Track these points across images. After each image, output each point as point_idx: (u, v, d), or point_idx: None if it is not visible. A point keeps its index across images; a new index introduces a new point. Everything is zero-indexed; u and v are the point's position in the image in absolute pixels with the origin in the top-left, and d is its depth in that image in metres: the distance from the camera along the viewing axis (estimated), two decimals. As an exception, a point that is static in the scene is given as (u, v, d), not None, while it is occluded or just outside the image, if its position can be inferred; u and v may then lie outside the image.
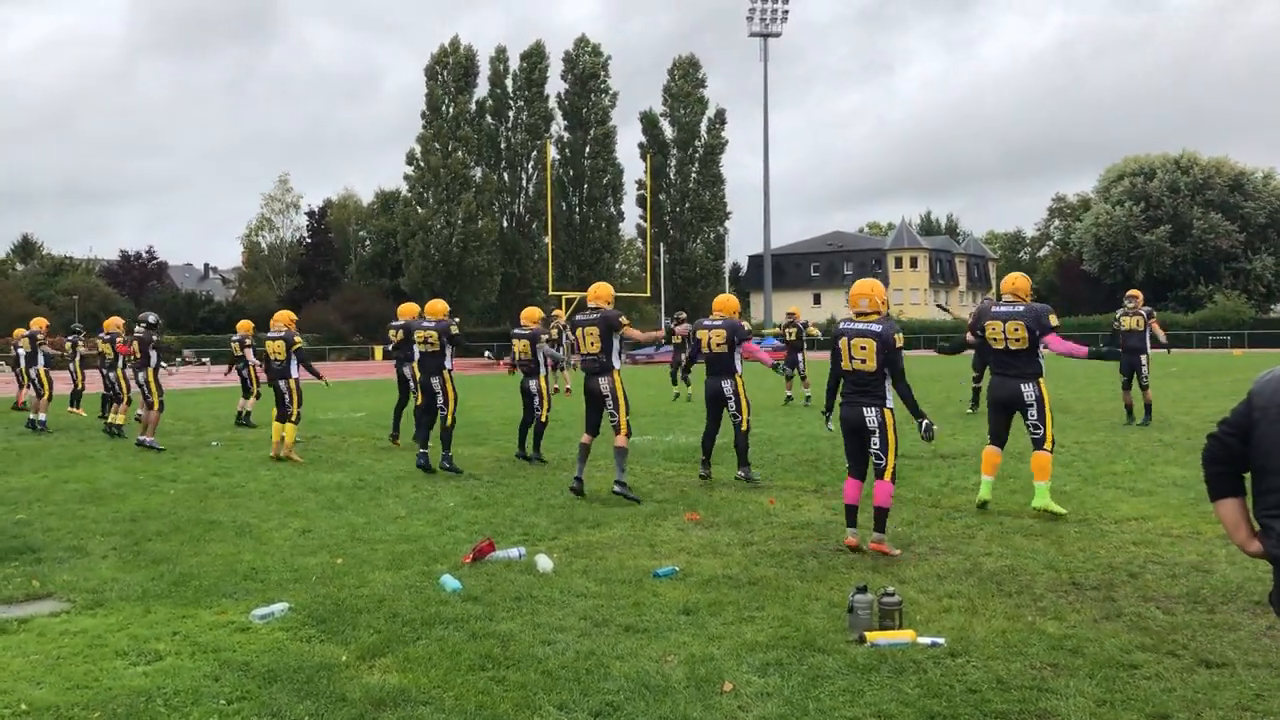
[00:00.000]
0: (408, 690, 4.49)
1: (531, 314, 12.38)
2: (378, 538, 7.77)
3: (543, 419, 12.04)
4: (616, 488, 8.93)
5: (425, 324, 11.31)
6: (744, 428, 9.98)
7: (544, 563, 6.62)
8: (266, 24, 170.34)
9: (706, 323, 10.18)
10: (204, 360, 54.54)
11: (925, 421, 7.13)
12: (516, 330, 12.32)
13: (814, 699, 4.32)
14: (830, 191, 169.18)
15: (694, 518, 8.29)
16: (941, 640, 4.98)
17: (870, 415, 7.04)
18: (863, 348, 7.04)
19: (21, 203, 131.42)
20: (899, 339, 7.05)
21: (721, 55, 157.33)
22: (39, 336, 17.36)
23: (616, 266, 77.36)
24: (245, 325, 17.51)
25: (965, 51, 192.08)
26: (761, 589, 6.06)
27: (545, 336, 12.09)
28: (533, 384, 12.04)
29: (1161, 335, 15.49)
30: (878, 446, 7.05)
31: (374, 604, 5.85)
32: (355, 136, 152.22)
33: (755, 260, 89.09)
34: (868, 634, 5.02)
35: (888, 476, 7.02)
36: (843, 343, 7.16)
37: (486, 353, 24.34)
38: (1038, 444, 8.17)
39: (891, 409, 7.09)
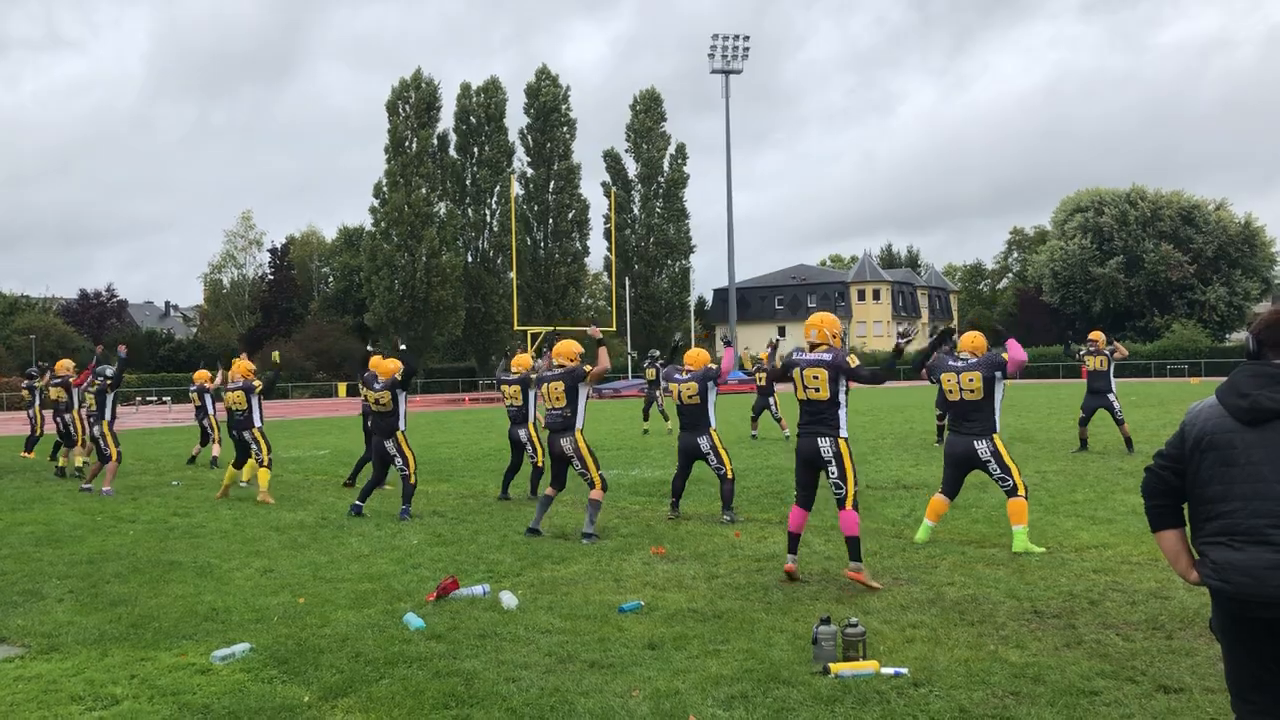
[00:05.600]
0: (370, 730, 4.44)
1: (522, 361, 12.12)
2: (340, 576, 7.70)
3: (539, 464, 11.83)
4: (585, 540, 8.89)
5: (376, 385, 11.07)
6: (729, 476, 9.99)
7: (508, 600, 6.59)
8: (285, 66, 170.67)
9: (678, 376, 10.24)
10: (164, 399, 53.88)
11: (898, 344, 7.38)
12: (506, 376, 11.99)
13: (779, 731, 4.32)
14: (815, 227, 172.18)
15: (659, 551, 8.30)
16: (905, 670, 5.01)
17: (825, 446, 7.12)
18: (815, 377, 7.17)
19: (13, 244, 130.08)
20: (852, 359, 7.20)
21: (718, 95, 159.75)
22: None
23: (582, 301, 77.53)
24: (202, 375, 17.34)
25: (957, 90, 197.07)
26: (726, 622, 6.07)
27: (534, 375, 11.83)
28: (521, 432, 11.75)
29: (1122, 351, 16.05)
30: (836, 476, 7.13)
31: (337, 643, 5.80)
32: (354, 177, 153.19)
33: (720, 294, 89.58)
34: (832, 665, 5.04)
35: (849, 505, 7.08)
36: (795, 373, 7.29)
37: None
38: (1010, 493, 8.17)
39: (846, 438, 7.18)
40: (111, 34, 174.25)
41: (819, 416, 7.18)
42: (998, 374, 8.16)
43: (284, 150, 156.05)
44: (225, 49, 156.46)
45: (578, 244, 73.20)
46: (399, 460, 10.78)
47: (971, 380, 8.17)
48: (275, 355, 13.60)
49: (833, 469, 7.12)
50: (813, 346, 7.33)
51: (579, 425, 9.16)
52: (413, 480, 10.76)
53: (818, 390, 7.16)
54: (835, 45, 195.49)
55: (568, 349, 9.43)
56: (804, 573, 7.36)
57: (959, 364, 8.32)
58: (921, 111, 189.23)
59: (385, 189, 66.52)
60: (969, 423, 8.22)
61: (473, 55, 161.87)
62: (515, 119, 72.49)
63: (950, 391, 8.31)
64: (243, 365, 13.04)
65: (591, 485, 9.11)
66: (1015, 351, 8.31)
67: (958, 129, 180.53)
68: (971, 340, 8.59)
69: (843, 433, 7.16)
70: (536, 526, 9.31)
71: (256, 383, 12.61)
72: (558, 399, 9.15)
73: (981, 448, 8.14)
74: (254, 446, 12.46)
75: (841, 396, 7.17)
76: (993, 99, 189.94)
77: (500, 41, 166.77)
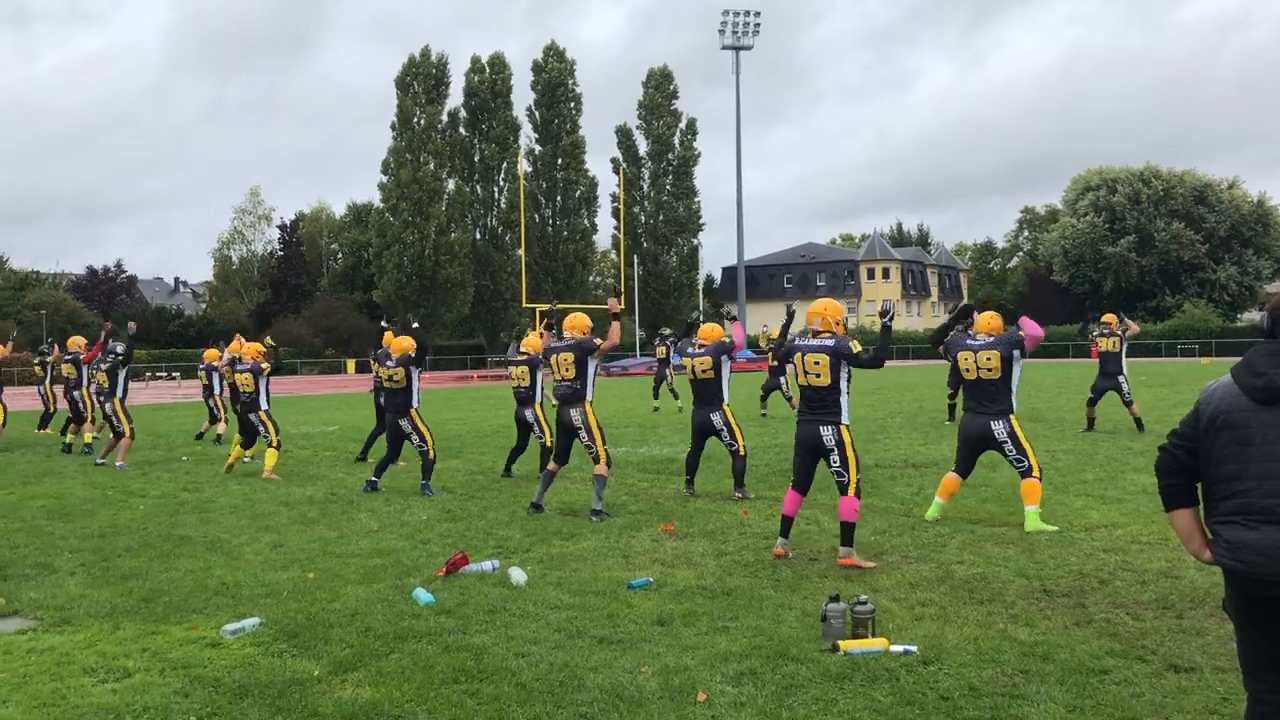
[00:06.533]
0: (380, 705, 4.46)
1: (532, 342, 12.03)
2: (350, 551, 7.73)
3: (547, 443, 11.79)
4: (594, 517, 8.89)
5: (389, 362, 11.01)
6: (741, 452, 10.00)
7: (518, 575, 6.60)
8: (305, 42, 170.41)
9: (692, 351, 10.24)
10: (173, 375, 54.06)
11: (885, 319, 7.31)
12: (515, 357, 11.96)
13: (787, 708, 4.33)
14: (825, 204, 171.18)
15: (668, 529, 8.30)
16: (914, 648, 5.01)
17: (827, 433, 7.14)
18: (816, 363, 7.19)
19: (28, 221, 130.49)
20: (854, 345, 7.19)
21: (731, 71, 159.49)
22: None
23: (590, 279, 77.38)
24: (211, 354, 17.30)
25: (973, 67, 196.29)
26: (735, 599, 6.08)
27: (543, 363, 11.80)
28: (528, 412, 11.72)
29: (1134, 328, 15.97)
30: (838, 464, 7.13)
31: (346, 618, 5.82)
32: (365, 152, 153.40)
33: (729, 272, 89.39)
34: (841, 643, 5.04)
35: (851, 492, 7.09)
36: (797, 359, 7.32)
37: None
38: (1024, 474, 8.15)
39: (847, 425, 7.20)
40: (132, 7, 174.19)
41: (820, 403, 7.20)
42: (1016, 352, 8.13)
43: (297, 126, 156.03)
44: (243, 24, 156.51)
45: (585, 221, 72.91)
46: (416, 438, 10.77)
47: (990, 359, 8.14)
48: (268, 339, 13.56)
49: (835, 457, 7.13)
50: (815, 334, 7.35)
51: (588, 397, 9.14)
52: (431, 455, 10.80)
53: (819, 376, 7.17)
54: (851, 21, 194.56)
55: (579, 322, 9.41)
56: (814, 551, 7.38)
57: (976, 343, 8.29)
58: (937, 88, 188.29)
59: (393, 165, 66.33)
60: (986, 402, 8.19)
61: (489, 31, 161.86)
62: (527, 95, 72.05)
63: (967, 370, 8.28)
64: (252, 347, 13.06)
65: (596, 460, 9.09)
66: (1031, 328, 8.26)
67: (972, 106, 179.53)
68: (988, 320, 8.56)
69: (844, 419, 7.18)
70: (539, 502, 9.30)
71: (265, 365, 12.61)
72: (567, 370, 9.14)
73: (998, 428, 8.12)
74: (261, 429, 12.48)
75: (843, 383, 7.19)
76: (1008, 76, 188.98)
77: (517, 18, 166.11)
